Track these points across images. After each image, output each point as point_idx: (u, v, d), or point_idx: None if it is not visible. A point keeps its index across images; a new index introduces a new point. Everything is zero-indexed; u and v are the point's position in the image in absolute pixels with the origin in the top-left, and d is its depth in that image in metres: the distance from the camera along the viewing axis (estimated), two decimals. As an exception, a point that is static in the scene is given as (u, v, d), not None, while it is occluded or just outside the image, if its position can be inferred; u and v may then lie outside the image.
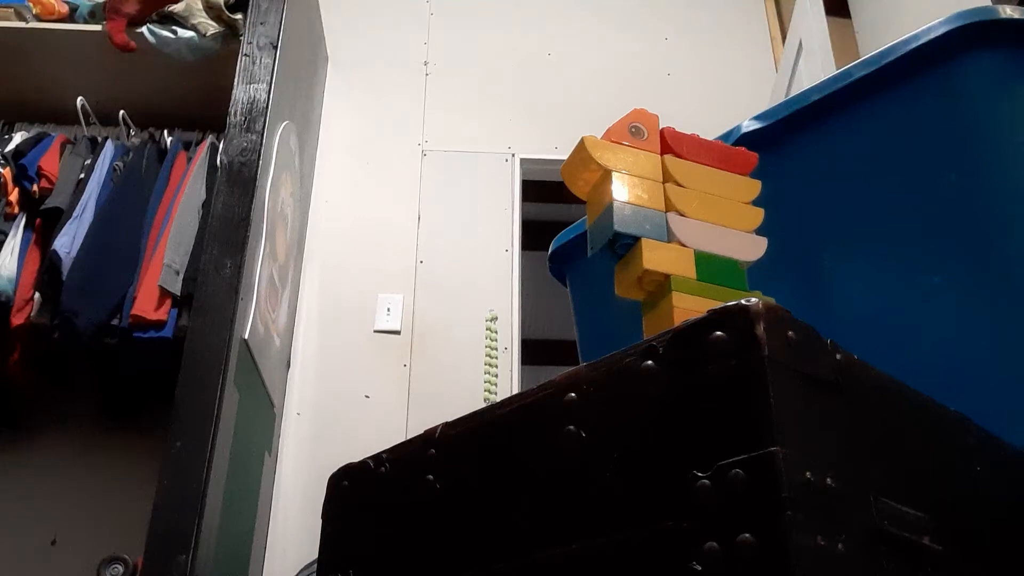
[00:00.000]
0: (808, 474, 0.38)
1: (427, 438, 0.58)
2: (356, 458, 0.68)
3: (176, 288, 1.85)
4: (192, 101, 2.20)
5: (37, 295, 1.86)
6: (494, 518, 0.51)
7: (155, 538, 1.49)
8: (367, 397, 2.60)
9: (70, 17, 2.11)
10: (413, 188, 2.95)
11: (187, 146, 2.18)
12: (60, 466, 2.13)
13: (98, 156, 2.06)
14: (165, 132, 2.19)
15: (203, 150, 2.12)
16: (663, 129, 0.65)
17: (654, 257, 0.58)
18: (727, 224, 0.62)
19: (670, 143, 0.64)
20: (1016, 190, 0.72)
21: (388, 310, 2.73)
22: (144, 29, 2.05)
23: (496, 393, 2.57)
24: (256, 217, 1.88)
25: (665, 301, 0.57)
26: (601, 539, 0.43)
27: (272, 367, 2.23)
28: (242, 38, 2.04)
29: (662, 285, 0.58)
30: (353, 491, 0.66)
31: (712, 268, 0.59)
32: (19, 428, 2.16)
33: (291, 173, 2.37)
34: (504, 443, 0.52)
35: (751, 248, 0.62)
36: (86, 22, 2.10)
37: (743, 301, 0.42)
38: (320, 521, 0.70)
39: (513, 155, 3.02)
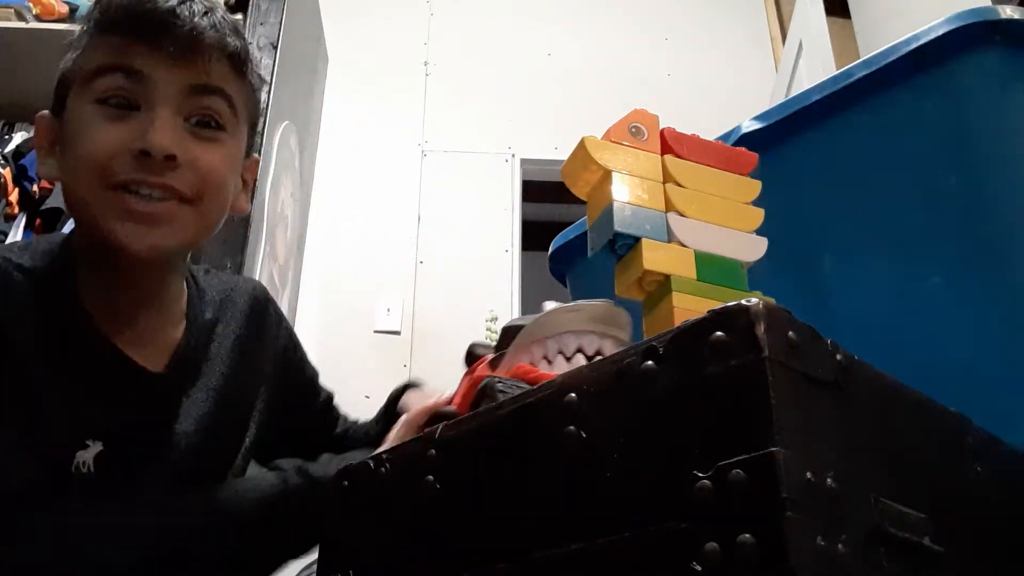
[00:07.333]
0: (808, 474, 0.38)
1: (427, 438, 0.58)
2: (356, 458, 0.68)
3: (176, 288, 1.85)
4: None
5: (37, 295, 1.86)
6: (494, 518, 0.51)
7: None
8: (367, 397, 2.59)
9: (70, 17, 2.10)
10: (413, 188, 2.95)
11: (187, 146, 2.18)
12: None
13: (98, 156, 2.06)
14: (165, 132, 2.19)
15: (203, 150, 2.11)
16: (663, 129, 0.65)
17: (654, 257, 0.58)
18: (727, 224, 0.62)
19: (670, 143, 0.64)
20: (1016, 191, 0.72)
21: (388, 310, 2.73)
22: (144, 29, 2.04)
23: (496, 393, 2.57)
24: (256, 217, 1.88)
25: (665, 301, 0.57)
26: (601, 539, 0.43)
27: (272, 367, 2.22)
28: (242, 38, 2.04)
29: (662, 285, 0.58)
30: (353, 491, 0.66)
31: (712, 268, 0.59)
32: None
33: (291, 173, 2.37)
34: (504, 443, 0.52)
35: (751, 248, 0.62)
36: (86, 22, 2.09)
37: (743, 301, 0.42)
38: (320, 521, 0.70)
39: (513, 155, 3.03)
